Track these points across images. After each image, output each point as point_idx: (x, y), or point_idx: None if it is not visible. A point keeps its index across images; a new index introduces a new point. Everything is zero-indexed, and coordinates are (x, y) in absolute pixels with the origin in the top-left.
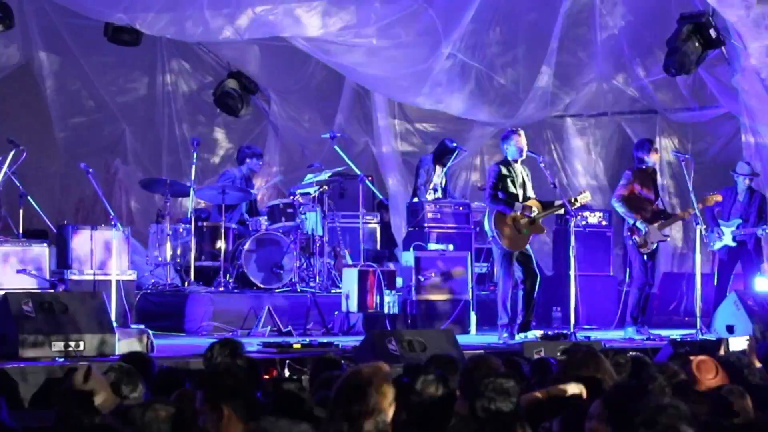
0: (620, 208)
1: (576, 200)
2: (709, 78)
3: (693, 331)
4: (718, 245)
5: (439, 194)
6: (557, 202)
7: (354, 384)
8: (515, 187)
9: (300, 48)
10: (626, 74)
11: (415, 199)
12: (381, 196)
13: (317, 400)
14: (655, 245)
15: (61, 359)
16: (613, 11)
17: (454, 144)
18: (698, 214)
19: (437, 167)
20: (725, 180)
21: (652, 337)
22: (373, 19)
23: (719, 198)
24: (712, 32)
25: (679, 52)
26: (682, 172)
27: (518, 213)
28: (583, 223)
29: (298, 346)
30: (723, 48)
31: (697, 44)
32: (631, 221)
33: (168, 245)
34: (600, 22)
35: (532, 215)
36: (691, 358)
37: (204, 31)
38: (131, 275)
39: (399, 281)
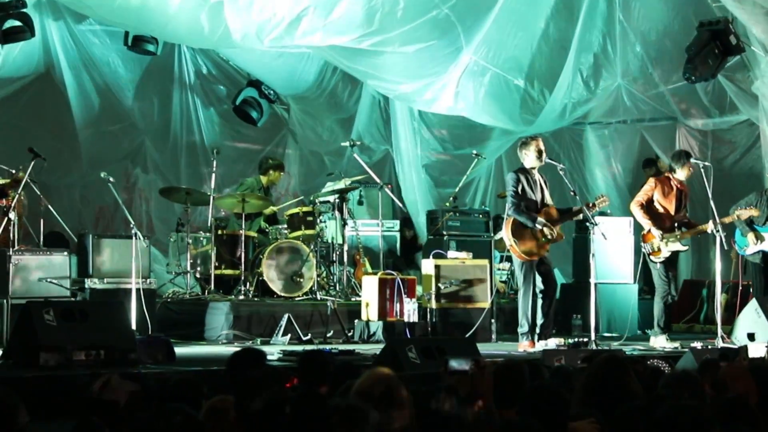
0: (637, 214)
1: (594, 205)
2: (728, 85)
3: (714, 339)
4: (752, 249)
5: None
6: (575, 208)
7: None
8: (534, 194)
9: (319, 55)
10: (646, 82)
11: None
12: (400, 204)
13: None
14: (669, 254)
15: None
16: (633, 19)
17: None
18: (718, 221)
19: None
20: (744, 187)
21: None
22: (395, 26)
23: (756, 213)
24: (732, 39)
25: (698, 59)
26: (702, 179)
27: (538, 229)
28: (603, 231)
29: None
30: (743, 54)
31: (716, 51)
32: (645, 229)
33: (188, 254)
34: (619, 30)
35: (550, 236)
36: (721, 365)
37: (222, 38)
38: (151, 284)
39: (419, 289)
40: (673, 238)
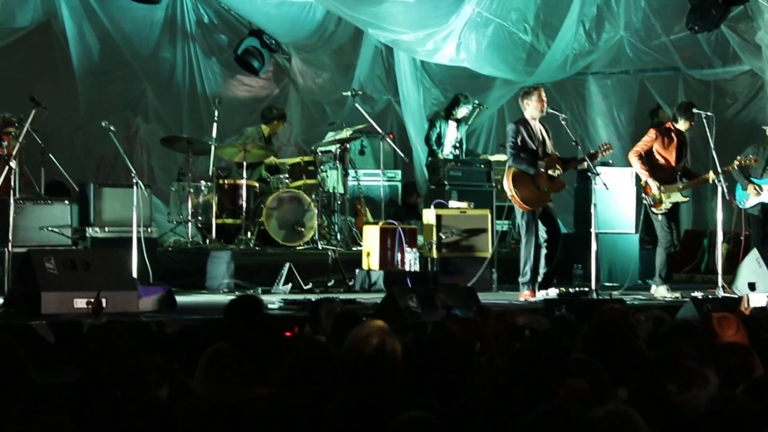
0: (635, 164)
1: (598, 153)
2: (731, 35)
3: (714, 289)
4: (752, 202)
5: (457, 152)
6: (579, 157)
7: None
8: (534, 144)
9: (321, 4)
10: (648, 32)
11: (432, 158)
12: (402, 155)
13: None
14: (671, 205)
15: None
16: None
17: (463, 96)
18: (720, 171)
19: (450, 122)
20: (747, 138)
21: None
22: None
23: (755, 162)
24: None
25: (701, 8)
26: (704, 129)
27: (542, 172)
28: (605, 181)
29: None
30: (746, 4)
31: (719, 1)
32: (643, 179)
33: (189, 203)
34: None
35: (556, 174)
36: (713, 314)
37: None
38: (153, 233)
39: (420, 239)
40: (674, 189)
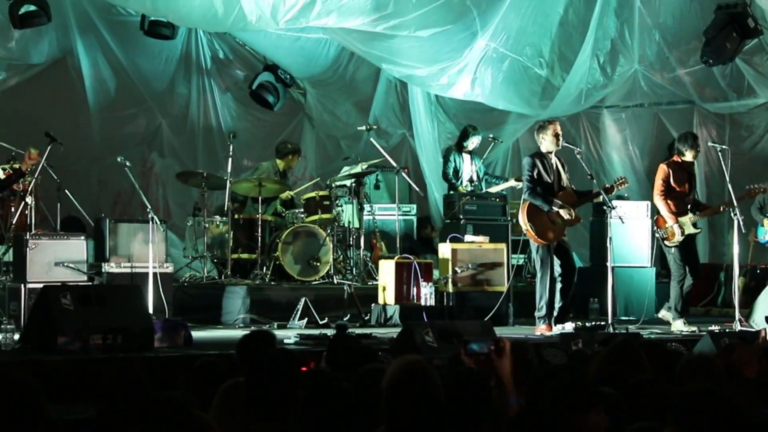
0: (662, 207)
1: (613, 187)
2: (746, 68)
3: (732, 323)
4: None
5: (476, 183)
6: (594, 191)
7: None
8: (550, 178)
9: (335, 40)
10: (663, 65)
11: (452, 191)
12: (417, 189)
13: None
14: (683, 238)
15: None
16: (651, 4)
17: (471, 127)
18: (735, 204)
19: (464, 156)
20: (762, 171)
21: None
22: (410, 9)
23: (764, 191)
24: (750, 22)
25: (716, 42)
26: (719, 163)
27: (555, 212)
28: (620, 214)
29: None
30: (760, 38)
31: (734, 34)
32: (669, 222)
33: (205, 238)
34: (637, 14)
35: (567, 217)
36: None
37: (236, 20)
38: (168, 268)
39: (436, 273)
40: (687, 222)
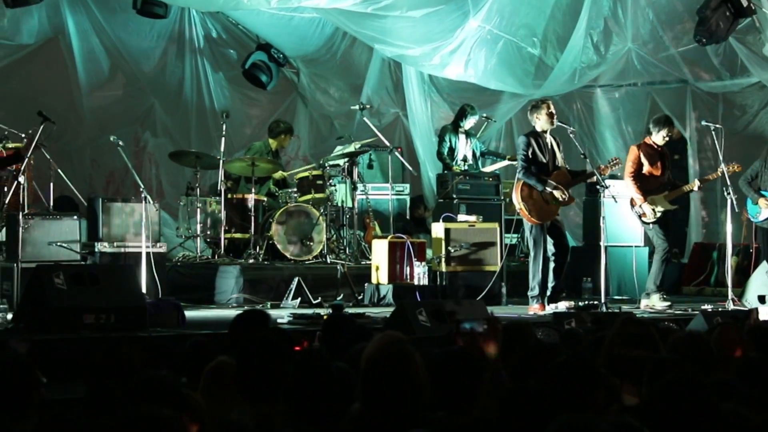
0: (631, 187)
1: (607, 167)
2: (739, 47)
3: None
4: (765, 215)
5: (470, 163)
6: (588, 171)
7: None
8: (545, 157)
9: (327, 19)
10: (656, 45)
11: (446, 171)
12: (410, 168)
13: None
14: (660, 215)
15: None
16: None
17: (469, 107)
18: (728, 181)
19: (460, 135)
20: (755, 150)
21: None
22: None
23: (738, 168)
24: (743, 1)
25: (709, 21)
26: (713, 141)
27: (548, 192)
28: (613, 193)
29: (327, 317)
30: (754, 17)
31: (727, 13)
32: (637, 201)
33: (198, 217)
34: None
35: (561, 198)
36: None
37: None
38: (161, 248)
39: (429, 253)
40: (661, 199)
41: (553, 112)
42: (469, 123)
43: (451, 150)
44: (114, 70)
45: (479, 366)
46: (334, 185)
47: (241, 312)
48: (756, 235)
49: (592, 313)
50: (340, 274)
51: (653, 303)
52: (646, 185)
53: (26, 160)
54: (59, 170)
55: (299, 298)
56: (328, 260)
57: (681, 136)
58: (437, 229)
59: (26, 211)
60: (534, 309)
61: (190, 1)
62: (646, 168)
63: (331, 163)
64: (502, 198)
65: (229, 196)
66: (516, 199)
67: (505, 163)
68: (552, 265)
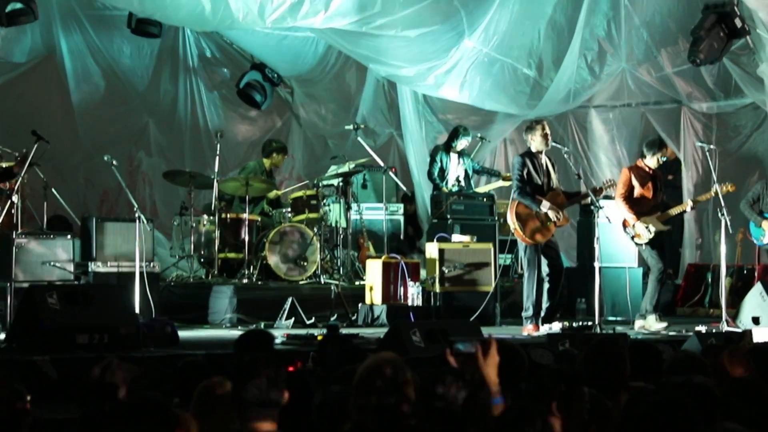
0: (623, 208)
1: (602, 189)
2: (734, 68)
3: (718, 323)
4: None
5: (462, 185)
6: (583, 192)
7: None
8: (540, 178)
9: (322, 39)
10: (650, 65)
11: (437, 191)
12: (404, 188)
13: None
14: (652, 235)
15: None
16: (638, 2)
17: (462, 128)
18: (722, 202)
19: (451, 155)
20: (749, 170)
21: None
22: (397, 9)
23: (732, 188)
24: (737, 21)
25: (703, 41)
26: (707, 162)
27: (543, 213)
28: (607, 214)
29: (322, 338)
30: (748, 37)
31: (721, 34)
32: (630, 222)
33: (191, 237)
34: (624, 13)
35: (554, 219)
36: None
37: (223, 19)
38: (155, 267)
39: (423, 273)
40: (653, 220)
41: (548, 132)
42: (461, 144)
43: (442, 170)
44: (108, 90)
45: (473, 387)
46: (328, 205)
47: (246, 332)
48: (760, 256)
49: (587, 334)
50: (334, 295)
51: (649, 324)
52: (637, 207)
53: (19, 179)
54: (53, 189)
55: (293, 318)
56: (322, 280)
57: (675, 157)
58: (431, 250)
59: (20, 231)
60: (528, 330)
61: (185, 20)
62: (638, 190)
63: (325, 182)
64: (496, 218)
65: (223, 215)
66: (511, 219)
67: (500, 183)
68: (546, 285)
